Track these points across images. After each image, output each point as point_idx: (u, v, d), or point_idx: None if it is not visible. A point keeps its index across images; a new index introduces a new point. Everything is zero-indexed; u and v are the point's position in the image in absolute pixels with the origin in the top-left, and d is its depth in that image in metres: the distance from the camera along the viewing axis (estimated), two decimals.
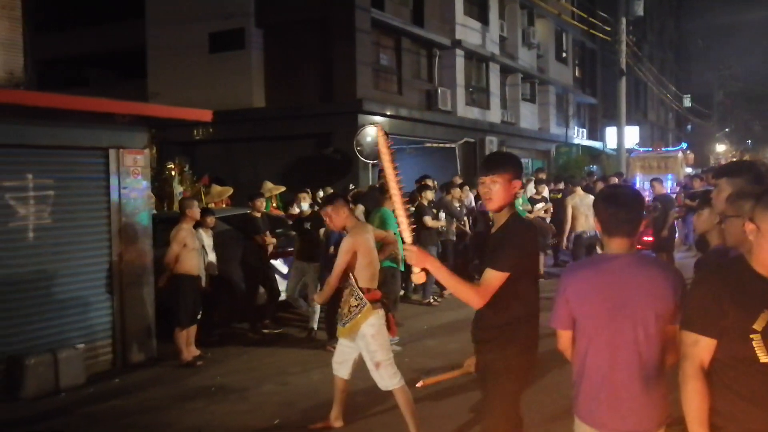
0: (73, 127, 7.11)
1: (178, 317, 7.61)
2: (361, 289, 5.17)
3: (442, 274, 3.32)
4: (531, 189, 13.50)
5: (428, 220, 10.37)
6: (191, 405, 6.25)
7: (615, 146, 26.12)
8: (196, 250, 7.71)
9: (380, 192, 8.41)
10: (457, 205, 11.67)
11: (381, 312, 5.25)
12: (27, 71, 8.33)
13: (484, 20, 23.85)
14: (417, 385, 4.46)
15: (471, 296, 3.26)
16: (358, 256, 5.19)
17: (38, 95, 6.99)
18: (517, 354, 3.39)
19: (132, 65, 21.01)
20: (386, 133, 3.44)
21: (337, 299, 8.56)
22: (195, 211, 7.80)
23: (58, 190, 7.02)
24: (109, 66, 23.54)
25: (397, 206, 3.36)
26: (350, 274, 5.21)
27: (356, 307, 5.15)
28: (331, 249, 8.29)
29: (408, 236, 3.35)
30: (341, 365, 5.53)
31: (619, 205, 2.86)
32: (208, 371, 7.33)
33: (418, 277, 3.41)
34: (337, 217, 5.40)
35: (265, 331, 9.07)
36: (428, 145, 19.46)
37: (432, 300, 10.67)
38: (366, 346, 5.22)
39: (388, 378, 5.25)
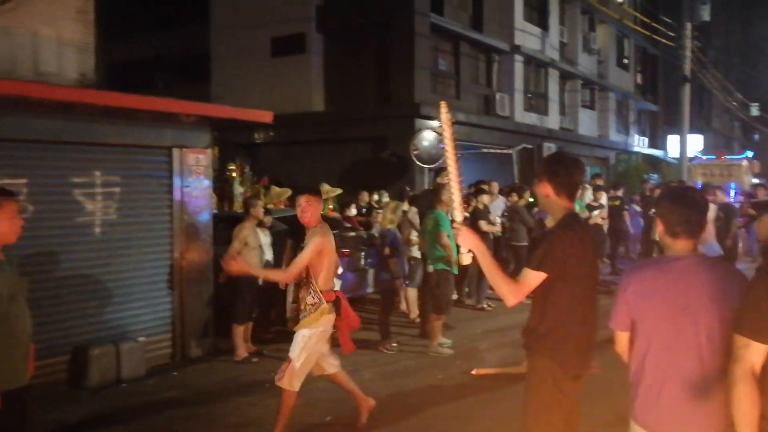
0: (139, 126, 7.36)
1: (235, 313, 7.78)
2: (319, 289, 5.18)
3: (485, 260, 3.29)
4: (588, 196, 13.31)
5: (483, 224, 10.32)
6: (246, 399, 6.40)
7: (677, 155, 25.50)
8: (256, 249, 7.86)
9: (433, 194, 8.43)
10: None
11: (332, 317, 5.28)
12: (98, 73, 8.66)
13: (543, 26, 23.63)
14: (472, 372, 4.52)
15: (506, 291, 3.23)
16: (323, 256, 5.19)
17: (107, 95, 7.25)
18: (549, 364, 3.32)
19: (197, 69, 21.52)
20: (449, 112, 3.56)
21: (391, 299, 8.65)
22: (259, 211, 7.97)
23: (124, 187, 7.28)
24: (175, 70, 24.16)
25: (453, 183, 3.45)
26: (309, 272, 5.18)
27: (312, 305, 5.16)
28: (387, 250, 8.33)
29: (459, 215, 3.42)
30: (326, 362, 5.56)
31: (684, 205, 2.81)
32: (263, 367, 7.46)
33: (464, 258, 3.43)
34: (313, 211, 5.34)
35: None
36: (485, 150, 19.34)
37: (486, 305, 10.62)
38: (298, 339, 5.23)
39: (291, 377, 5.23)
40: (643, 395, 2.84)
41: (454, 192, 3.45)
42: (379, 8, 17.46)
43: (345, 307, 5.40)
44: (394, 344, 8.22)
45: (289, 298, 9.14)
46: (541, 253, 3.24)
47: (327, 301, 5.18)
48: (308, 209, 5.31)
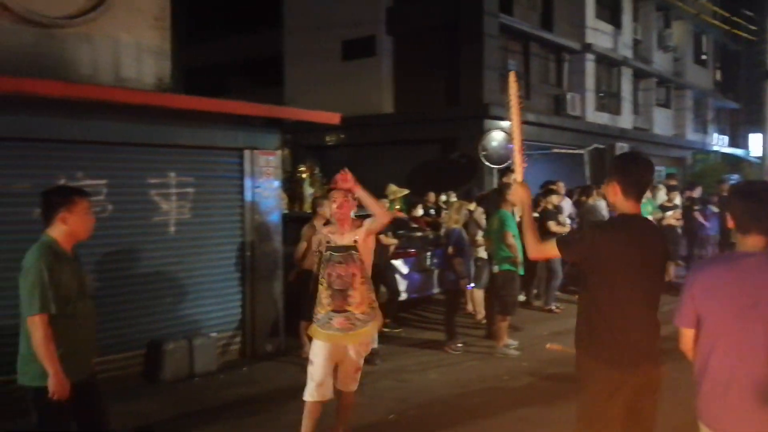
0: (212, 128, 7.59)
1: (303, 311, 7.90)
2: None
3: (527, 216, 3.63)
4: (662, 196, 12.93)
5: (552, 224, 10.19)
6: None
7: (759, 153, 24.48)
8: None
9: (499, 194, 8.37)
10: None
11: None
12: (174, 78, 8.98)
13: (616, 23, 23.10)
14: (547, 346, 4.60)
15: (531, 245, 3.56)
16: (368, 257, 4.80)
17: (182, 98, 7.52)
18: (584, 362, 3.40)
19: (270, 73, 22.01)
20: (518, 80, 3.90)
21: (456, 300, 8.63)
22: (326, 210, 8.08)
23: (197, 187, 7.52)
24: (248, 74, 24.77)
25: (516, 146, 3.79)
26: (364, 269, 4.75)
27: (367, 314, 4.79)
28: (450, 249, 8.29)
29: (519, 174, 3.78)
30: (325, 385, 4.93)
31: (755, 200, 2.74)
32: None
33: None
34: (348, 207, 4.81)
35: (386, 330, 9.23)
36: (556, 150, 19.06)
37: (554, 307, 10.48)
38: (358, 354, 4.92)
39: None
40: (708, 395, 2.78)
41: (517, 153, 3.79)
42: (448, 10, 17.47)
43: None
44: (460, 345, 8.21)
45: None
46: (571, 236, 3.75)
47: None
48: (345, 206, 4.79)
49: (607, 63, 22.79)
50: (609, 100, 23.19)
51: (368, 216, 4.90)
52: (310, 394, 4.85)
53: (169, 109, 7.09)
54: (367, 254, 4.78)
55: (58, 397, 3.63)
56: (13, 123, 6.07)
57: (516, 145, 3.78)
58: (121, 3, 8.04)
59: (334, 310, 4.68)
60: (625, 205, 3.36)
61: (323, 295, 4.75)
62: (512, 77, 3.85)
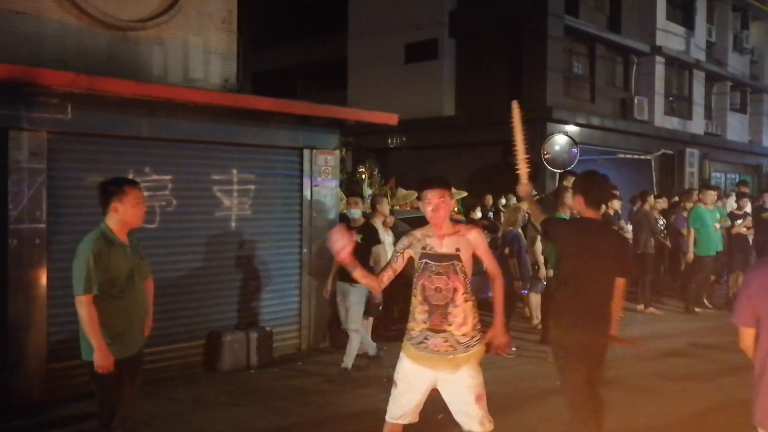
0: (274, 128, 7.82)
1: (367, 307, 7.97)
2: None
3: (533, 209, 4.98)
4: (731, 203, 12.57)
5: None
6: (363, 391, 6.63)
7: None
8: (381, 245, 8.04)
9: (556, 197, 8.31)
10: (657, 217, 11.18)
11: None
12: (239, 79, 9.27)
13: (689, 25, 22.49)
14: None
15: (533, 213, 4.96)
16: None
17: (245, 98, 7.78)
18: (556, 333, 4.55)
19: (335, 76, 22.36)
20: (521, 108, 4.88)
21: (510, 302, 8.54)
22: (384, 208, 8.18)
23: (258, 185, 7.76)
24: (314, 77, 25.22)
25: (520, 157, 4.82)
26: (467, 281, 3.98)
27: (475, 337, 4.06)
28: (507, 250, 8.25)
29: (524, 175, 4.82)
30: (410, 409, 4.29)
31: None
32: (382, 362, 7.69)
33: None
34: (445, 209, 4.02)
35: None
36: (621, 156, 18.69)
37: None
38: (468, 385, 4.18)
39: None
40: (765, 396, 2.74)
41: (521, 160, 4.79)
42: (512, 12, 17.38)
43: None
44: (514, 348, 8.14)
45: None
46: (554, 220, 5.10)
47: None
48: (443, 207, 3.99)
49: (678, 66, 22.21)
50: (679, 104, 22.59)
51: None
52: (390, 416, 4.28)
53: (233, 109, 7.35)
54: (470, 267, 4.03)
55: (102, 371, 3.91)
56: (89, 120, 6.42)
57: (520, 155, 4.81)
58: (191, 7, 8.37)
59: (430, 329, 3.97)
60: (587, 212, 4.47)
61: (417, 310, 4.02)
62: (515, 106, 4.86)
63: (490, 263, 4.15)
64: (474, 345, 4.03)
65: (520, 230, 8.60)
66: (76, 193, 6.35)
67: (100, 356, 3.91)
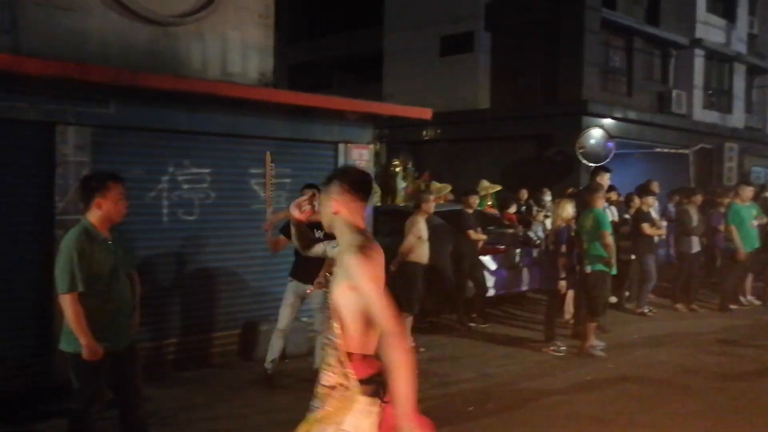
0: (309, 122, 7.92)
1: (407, 303, 7.96)
2: (349, 353, 2.78)
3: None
4: None
5: (646, 227, 9.99)
6: None
7: None
8: (426, 242, 8.09)
9: (590, 193, 8.26)
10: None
11: (372, 406, 2.74)
12: (276, 73, 9.40)
13: (730, 17, 22.08)
14: None
15: None
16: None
17: (281, 92, 7.93)
18: None
19: (370, 69, 22.43)
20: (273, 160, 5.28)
21: (559, 300, 8.50)
22: (429, 205, 8.24)
23: (293, 178, 7.86)
24: (350, 70, 25.33)
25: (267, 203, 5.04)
26: (334, 323, 2.81)
27: (332, 388, 2.81)
28: (563, 248, 8.11)
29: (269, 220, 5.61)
30: None
31: None
32: (419, 356, 7.77)
33: None
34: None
35: (472, 324, 9.36)
36: (658, 150, 18.51)
37: (647, 310, 10.27)
38: None
39: None
40: None
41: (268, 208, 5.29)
42: (549, 5, 17.28)
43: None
44: (563, 348, 8.06)
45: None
46: None
47: (361, 380, 2.74)
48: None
49: (718, 59, 21.83)
50: (719, 98, 22.21)
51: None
52: None
53: (269, 103, 7.46)
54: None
55: (90, 359, 4.02)
56: (131, 114, 6.59)
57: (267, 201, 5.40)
58: (229, 2, 8.51)
59: None
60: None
61: None
62: (267, 158, 5.10)
63: None
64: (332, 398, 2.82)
65: (572, 226, 8.38)
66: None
67: (89, 351, 4.01)
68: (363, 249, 2.72)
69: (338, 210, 2.88)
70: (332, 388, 2.79)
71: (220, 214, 7.26)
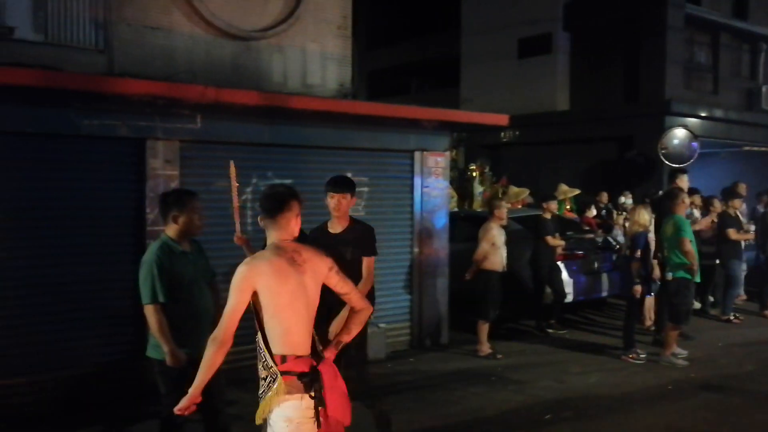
0: (386, 131, 8.07)
1: (483, 310, 8.06)
2: (270, 353, 3.19)
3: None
4: None
5: (732, 232, 9.69)
6: (473, 389, 6.79)
7: None
8: (500, 248, 8.09)
9: (670, 198, 8.07)
10: None
11: (302, 400, 3.17)
12: (354, 83, 9.63)
13: None
14: None
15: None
16: (263, 300, 3.19)
17: (360, 104, 8.11)
18: None
19: (448, 73, 22.51)
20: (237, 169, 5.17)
21: (637, 307, 8.29)
22: (503, 212, 8.25)
23: (371, 187, 8.05)
24: (427, 74, 25.50)
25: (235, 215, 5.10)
26: (257, 328, 3.26)
27: (264, 380, 3.23)
28: (638, 252, 7.91)
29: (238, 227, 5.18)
30: None
31: None
32: (491, 362, 7.83)
33: None
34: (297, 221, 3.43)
35: (550, 330, 9.31)
36: (746, 149, 17.80)
37: (733, 317, 9.95)
38: None
39: None
40: None
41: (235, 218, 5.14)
42: (630, 3, 16.94)
43: (330, 385, 3.24)
44: (643, 355, 7.90)
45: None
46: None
47: (284, 373, 3.15)
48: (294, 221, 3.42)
49: None
50: None
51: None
52: None
53: (347, 114, 7.66)
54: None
55: (173, 365, 4.24)
56: (216, 128, 6.90)
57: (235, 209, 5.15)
58: (309, 15, 8.79)
59: None
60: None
61: None
62: (232, 168, 5.09)
63: None
64: (265, 392, 3.22)
65: (650, 231, 8.19)
66: (205, 197, 6.73)
67: (171, 358, 4.24)
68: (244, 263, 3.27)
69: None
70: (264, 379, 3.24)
71: (304, 223, 7.47)
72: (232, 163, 5.14)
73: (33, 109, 5.95)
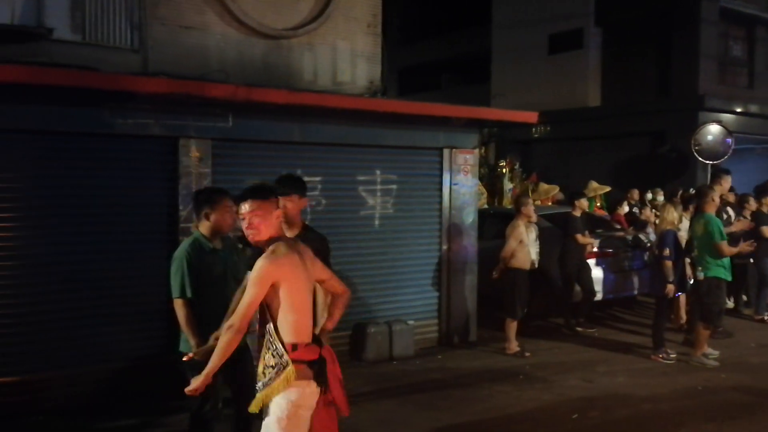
0: (415, 129, 8.11)
1: (511, 308, 8.05)
2: (282, 342, 3.41)
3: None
4: None
5: (766, 230, 9.55)
6: (499, 387, 6.81)
7: None
8: (528, 246, 8.07)
9: (700, 196, 7.98)
10: None
11: (310, 387, 3.47)
12: (383, 80, 9.66)
13: None
14: None
15: None
16: (281, 290, 3.40)
17: (388, 102, 8.15)
18: None
19: (478, 69, 22.45)
20: None
21: (667, 306, 8.24)
22: (530, 209, 8.23)
23: (400, 184, 8.10)
24: (458, 70, 25.45)
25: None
26: (268, 319, 3.48)
27: (273, 368, 3.41)
28: (666, 251, 7.83)
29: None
30: None
31: None
32: (518, 360, 7.84)
33: None
34: (262, 221, 3.50)
35: (579, 329, 9.27)
36: None
37: (766, 317, 9.81)
38: (265, 428, 3.46)
39: None
40: None
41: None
42: None
43: (329, 369, 3.59)
44: (673, 355, 7.83)
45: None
46: None
47: (295, 361, 3.39)
48: (256, 220, 3.50)
49: None
50: None
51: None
52: None
53: (377, 113, 7.71)
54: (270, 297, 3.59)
55: (200, 359, 4.18)
56: (247, 127, 7.00)
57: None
58: (339, 13, 8.84)
59: None
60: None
61: None
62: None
63: None
64: (271, 379, 3.42)
65: (679, 229, 8.14)
66: (236, 195, 6.94)
67: (198, 352, 4.27)
68: (265, 257, 3.47)
69: None
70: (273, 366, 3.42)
71: (330, 220, 7.56)
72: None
73: (68, 108, 6.10)
